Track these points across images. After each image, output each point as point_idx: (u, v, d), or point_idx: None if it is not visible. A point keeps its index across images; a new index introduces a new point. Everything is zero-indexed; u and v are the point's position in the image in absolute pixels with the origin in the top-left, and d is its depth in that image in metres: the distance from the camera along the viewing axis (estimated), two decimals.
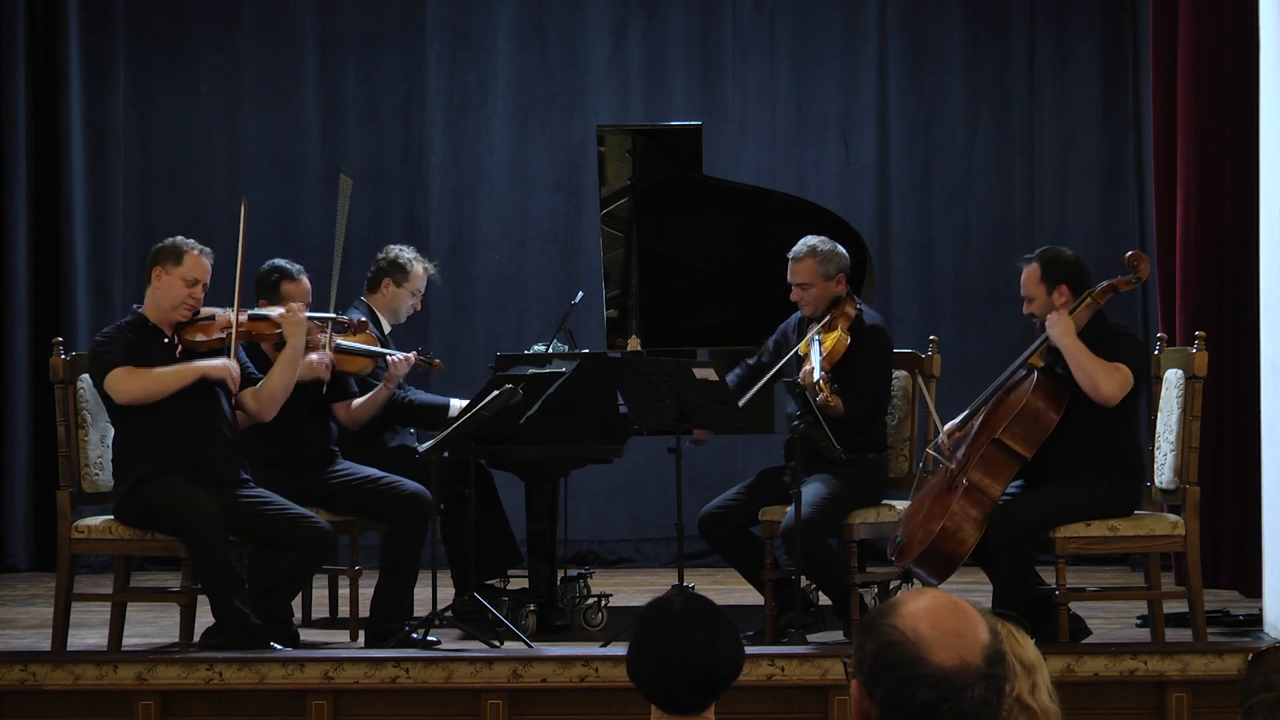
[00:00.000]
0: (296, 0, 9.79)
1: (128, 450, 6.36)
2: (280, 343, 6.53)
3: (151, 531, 6.38)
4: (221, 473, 6.34)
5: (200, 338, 6.43)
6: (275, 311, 6.60)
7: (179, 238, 6.46)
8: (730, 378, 6.84)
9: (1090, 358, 6.19)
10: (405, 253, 7.28)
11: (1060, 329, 6.22)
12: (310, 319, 6.59)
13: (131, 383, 6.28)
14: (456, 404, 7.16)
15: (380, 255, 7.29)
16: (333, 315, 6.75)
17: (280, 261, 6.93)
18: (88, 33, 9.59)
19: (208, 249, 6.45)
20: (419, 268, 7.27)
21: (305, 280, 6.90)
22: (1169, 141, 8.08)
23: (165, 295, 6.38)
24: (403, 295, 7.22)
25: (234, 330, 6.42)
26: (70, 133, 9.50)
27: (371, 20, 9.81)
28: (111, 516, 6.49)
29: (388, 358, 6.88)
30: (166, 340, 6.41)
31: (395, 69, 9.81)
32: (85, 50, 9.58)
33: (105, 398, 6.38)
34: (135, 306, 6.49)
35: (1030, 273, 6.37)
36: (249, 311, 6.57)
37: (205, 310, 6.48)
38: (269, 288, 6.83)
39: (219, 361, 6.36)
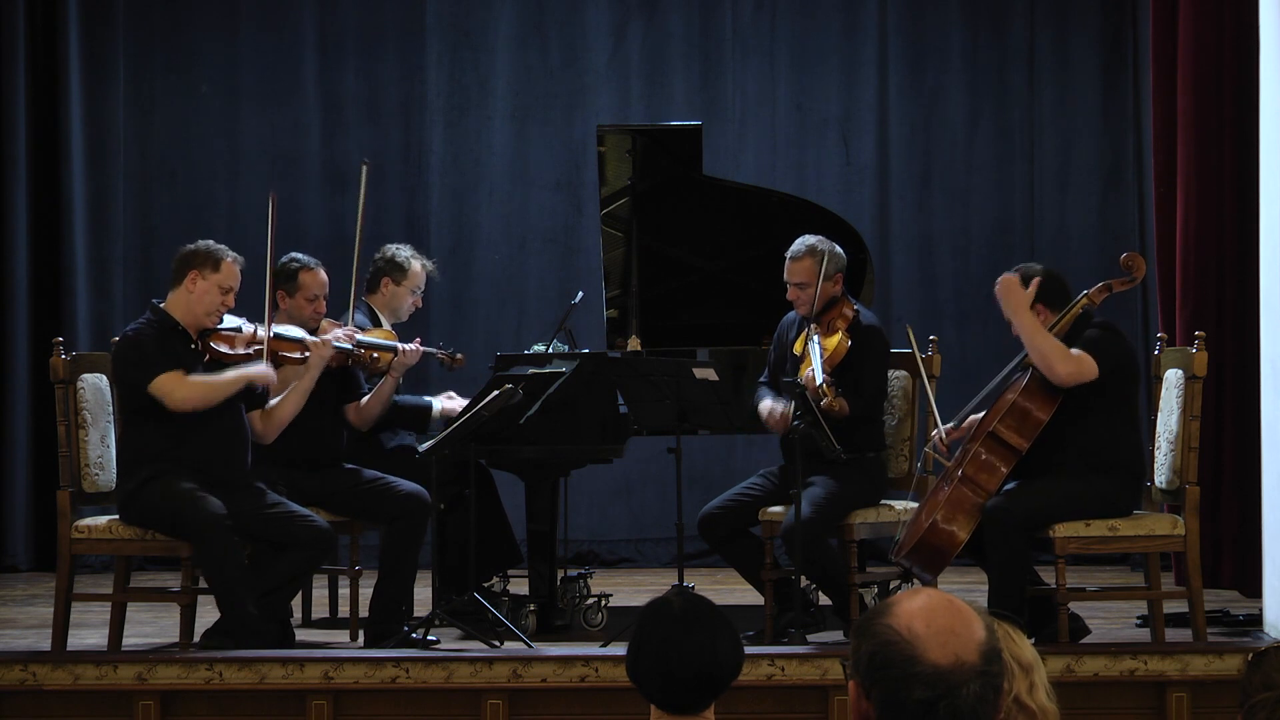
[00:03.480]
0: (296, 0, 9.79)
1: (136, 449, 6.35)
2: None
3: (153, 531, 6.37)
4: (228, 475, 6.33)
5: (225, 349, 6.45)
6: (302, 334, 6.61)
7: (211, 243, 6.47)
8: (763, 391, 6.83)
9: (1043, 335, 6.18)
10: (402, 251, 7.28)
11: (1012, 303, 6.22)
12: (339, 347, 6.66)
13: (188, 390, 6.27)
14: (439, 406, 7.15)
15: (378, 255, 7.29)
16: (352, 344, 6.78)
17: (298, 254, 6.96)
18: (88, 33, 9.59)
19: (240, 256, 6.49)
20: (417, 265, 7.27)
21: (322, 272, 6.93)
22: (1169, 141, 8.08)
23: (200, 301, 6.38)
24: (402, 294, 7.23)
25: (266, 345, 6.46)
26: (70, 133, 9.51)
27: (371, 20, 9.82)
28: (113, 516, 6.50)
29: (402, 347, 6.91)
30: (193, 346, 6.41)
31: (395, 69, 9.81)
32: (85, 50, 9.59)
33: (128, 397, 6.36)
34: (157, 303, 6.47)
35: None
36: (276, 330, 6.58)
37: (230, 320, 6.50)
38: (287, 277, 6.84)
39: (261, 368, 6.36)
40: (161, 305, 6.44)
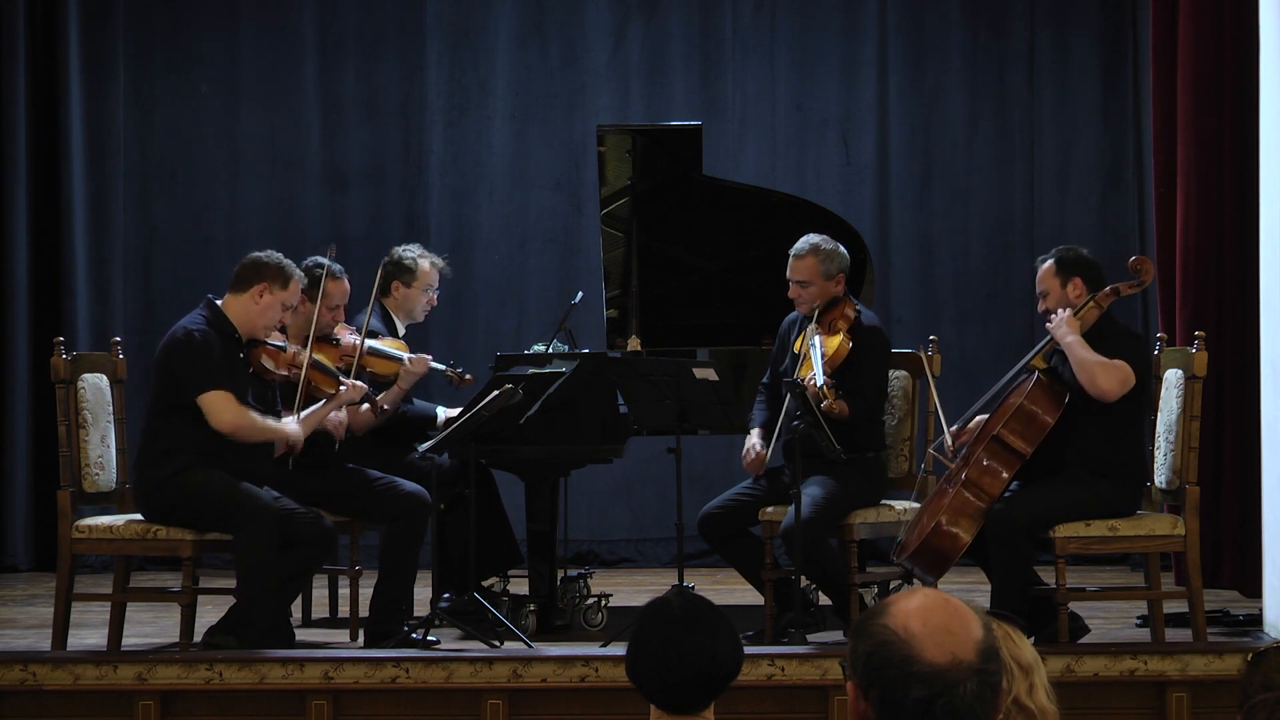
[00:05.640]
0: (296, 0, 9.79)
1: (169, 441, 6.32)
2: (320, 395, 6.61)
3: (176, 522, 6.32)
4: (253, 473, 6.34)
5: (269, 365, 6.46)
6: (338, 372, 6.61)
7: (281, 257, 6.45)
8: (758, 409, 6.83)
9: (1090, 353, 6.20)
10: (410, 251, 7.26)
11: (1064, 327, 6.25)
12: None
13: (233, 415, 6.27)
14: (443, 412, 7.15)
15: (386, 259, 7.25)
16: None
17: (323, 259, 6.88)
18: (88, 33, 9.59)
19: (304, 276, 6.52)
20: (426, 264, 7.25)
21: (345, 281, 6.91)
22: (1169, 141, 8.08)
23: (263, 315, 6.39)
24: (415, 295, 7.22)
25: (304, 372, 6.49)
26: (70, 133, 9.51)
27: (371, 20, 9.82)
28: (114, 516, 6.50)
29: (404, 358, 6.92)
30: (241, 355, 6.42)
31: (395, 69, 9.81)
32: (85, 50, 9.58)
33: (175, 390, 6.32)
34: (214, 299, 6.45)
35: (1046, 269, 6.41)
36: (316, 359, 6.59)
37: (276, 336, 6.51)
38: (312, 283, 6.81)
39: (295, 431, 6.38)
40: (218, 303, 6.43)
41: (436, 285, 7.30)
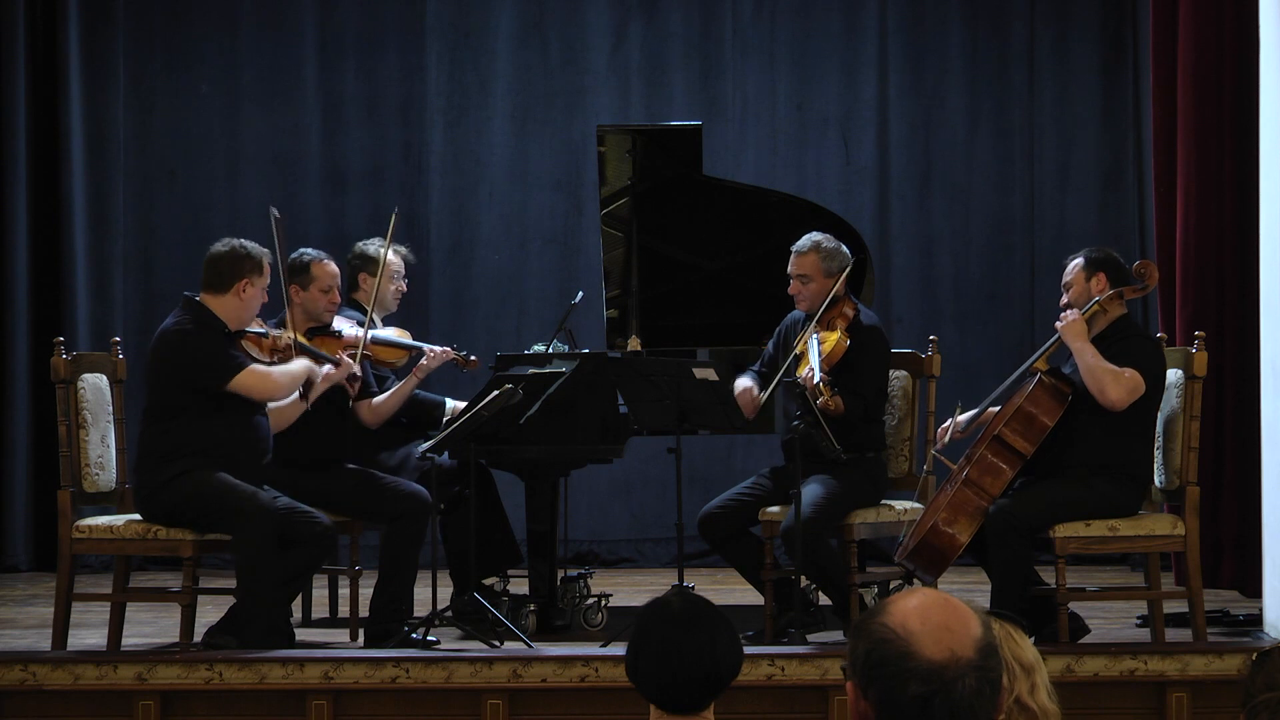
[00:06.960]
0: (296, 0, 9.80)
1: (170, 445, 6.31)
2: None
3: (179, 524, 6.33)
4: (251, 474, 6.34)
5: (254, 353, 6.45)
6: (322, 351, 6.62)
7: (249, 244, 6.46)
8: (748, 372, 6.85)
9: (1099, 361, 6.20)
10: (371, 244, 7.25)
11: (1072, 331, 6.25)
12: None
13: (273, 382, 6.37)
14: (452, 404, 7.16)
15: (350, 254, 7.25)
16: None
17: (307, 248, 6.96)
18: (88, 33, 9.60)
19: (268, 251, 6.54)
20: (388, 253, 7.22)
21: (332, 264, 6.92)
22: (1169, 141, 8.08)
23: (248, 306, 6.42)
24: (383, 285, 7.19)
25: (291, 354, 6.52)
26: (70, 133, 9.51)
27: (371, 20, 9.82)
28: (114, 515, 6.50)
29: (424, 349, 6.94)
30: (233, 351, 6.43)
31: (395, 69, 9.81)
32: (85, 50, 9.59)
33: (173, 392, 6.33)
34: (193, 296, 6.43)
35: (1076, 262, 6.45)
36: (301, 341, 6.60)
37: (257, 323, 6.52)
38: (299, 270, 6.82)
39: (304, 364, 6.48)
40: (198, 300, 6.42)
41: (404, 272, 7.29)
